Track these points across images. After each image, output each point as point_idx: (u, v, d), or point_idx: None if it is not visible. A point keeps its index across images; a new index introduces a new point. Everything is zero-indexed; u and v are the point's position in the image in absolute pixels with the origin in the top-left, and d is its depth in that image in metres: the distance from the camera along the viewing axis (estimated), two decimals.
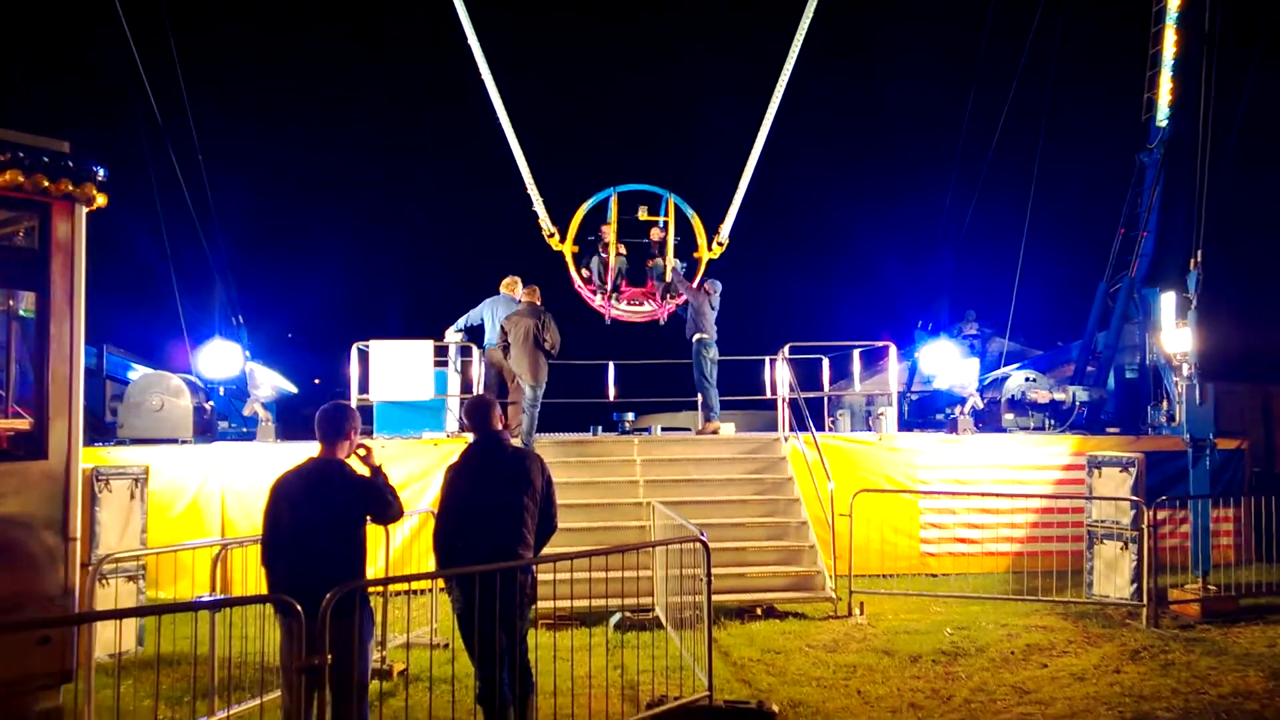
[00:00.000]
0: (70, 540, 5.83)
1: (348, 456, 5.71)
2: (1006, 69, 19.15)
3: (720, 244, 15.89)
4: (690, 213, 15.71)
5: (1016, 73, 18.91)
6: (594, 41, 30.66)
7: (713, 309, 14.16)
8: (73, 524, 5.85)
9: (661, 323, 15.85)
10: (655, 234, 15.71)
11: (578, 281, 15.77)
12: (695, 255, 15.75)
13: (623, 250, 15.75)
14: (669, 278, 15.36)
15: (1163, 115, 17.24)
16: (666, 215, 15.60)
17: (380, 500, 5.57)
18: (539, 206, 15.91)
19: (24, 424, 6.02)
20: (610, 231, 15.60)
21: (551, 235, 15.81)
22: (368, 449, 5.81)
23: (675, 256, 15.48)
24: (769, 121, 16.32)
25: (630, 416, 15.47)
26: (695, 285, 14.65)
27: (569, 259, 15.75)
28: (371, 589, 9.38)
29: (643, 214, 15.70)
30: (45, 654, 5.52)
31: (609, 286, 15.55)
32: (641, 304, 15.77)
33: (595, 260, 15.74)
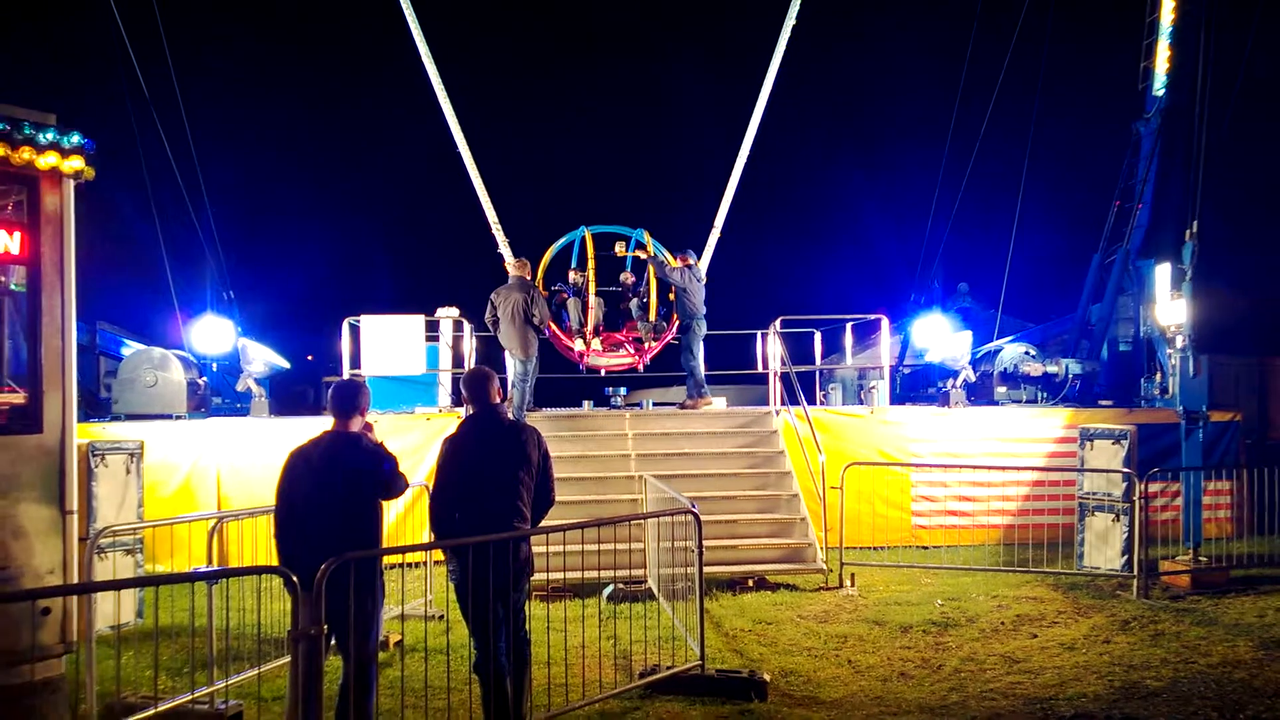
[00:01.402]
0: (67, 513, 5.85)
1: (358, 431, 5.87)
2: (1001, 38, 19.07)
3: (699, 280, 14.72)
4: (664, 253, 14.99)
5: (1011, 42, 18.84)
6: (567, 45, 30.36)
7: (699, 281, 13.96)
8: (69, 497, 5.87)
9: (640, 370, 15.19)
10: (626, 277, 15.02)
11: (552, 327, 14.33)
12: (670, 296, 14.67)
13: (597, 290, 14.85)
14: (653, 314, 14.72)
15: (1159, 84, 17.17)
16: (642, 249, 15.06)
17: (392, 473, 5.74)
18: (505, 249, 15.40)
19: (18, 398, 6.03)
20: (588, 271, 14.78)
21: None
22: (369, 425, 5.90)
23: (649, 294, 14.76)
24: (745, 153, 16.18)
25: (622, 391, 15.48)
26: (676, 265, 14.05)
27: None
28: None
29: (620, 250, 15.12)
30: (47, 625, 5.56)
31: (589, 330, 14.61)
32: (618, 351, 14.94)
33: (571, 302, 14.70)
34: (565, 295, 14.78)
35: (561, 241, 15.24)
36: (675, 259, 14.22)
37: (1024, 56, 18.88)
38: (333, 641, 5.54)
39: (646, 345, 14.87)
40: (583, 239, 15.06)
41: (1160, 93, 17.15)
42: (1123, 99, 18.10)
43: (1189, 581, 10.27)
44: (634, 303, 14.97)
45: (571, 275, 14.96)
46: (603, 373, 15.26)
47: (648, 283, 14.85)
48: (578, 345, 14.74)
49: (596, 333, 14.75)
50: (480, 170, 15.97)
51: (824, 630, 8.78)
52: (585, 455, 12.08)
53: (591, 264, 14.88)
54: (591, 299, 14.72)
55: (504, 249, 15.55)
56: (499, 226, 15.71)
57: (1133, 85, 17.78)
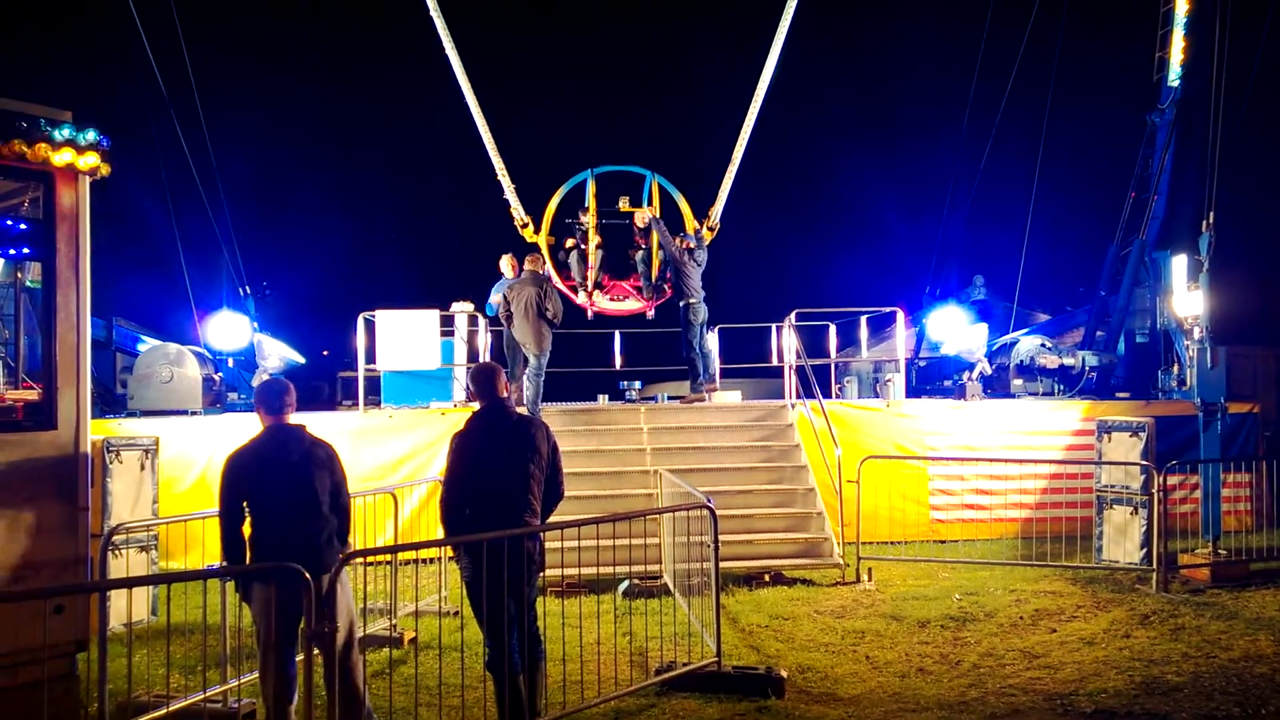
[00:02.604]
0: (81, 510, 5.85)
1: None
2: (1016, 29, 18.91)
3: (711, 229, 14.88)
4: (677, 195, 14.92)
5: (1025, 33, 18.68)
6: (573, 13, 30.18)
7: (698, 265, 13.64)
8: (83, 494, 5.87)
9: (649, 317, 15.04)
10: (639, 218, 14.64)
11: (555, 277, 14.46)
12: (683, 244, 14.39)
13: (599, 241, 14.75)
14: (654, 273, 14.59)
15: (1174, 74, 17.02)
16: (651, 200, 14.80)
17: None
18: (510, 195, 15.03)
19: (33, 394, 6.04)
20: (588, 218, 14.64)
21: (525, 226, 14.88)
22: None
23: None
24: (760, 96, 15.40)
25: (636, 385, 15.41)
26: (676, 243, 13.76)
27: (544, 251, 14.46)
28: (381, 557, 9.47)
29: (624, 205, 14.78)
30: (60, 622, 5.57)
31: (590, 283, 14.60)
32: (625, 299, 14.86)
33: (574, 255, 14.72)
34: (575, 237, 14.72)
35: (568, 184, 14.94)
36: (678, 239, 14.01)
37: (1039, 47, 18.73)
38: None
39: (650, 299, 14.77)
40: (589, 183, 14.77)
41: (1175, 83, 16.99)
42: (1138, 90, 17.94)
43: (1209, 575, 10.18)
44: (639, 255, 14.81)
45: (581, 217, 14.78)
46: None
47: (653, 235, 14.59)
48: (580, 297, 14.69)
49: (599, 285, 14.70)
50: (494, 138, 15.61)
51: (841, 626, 8.73)
52: (600, 450, 12.04)
53: (593, 213, 14.66)
54: (592, 251, 14.58)
55: (514, 205, 15.09)
56: (507, 177, 15.17)
57: (1148, 76, 17.62)
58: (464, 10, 15.74)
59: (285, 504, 5.67)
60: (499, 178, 15.11)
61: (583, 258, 14.69)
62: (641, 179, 15.12)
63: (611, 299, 14.86)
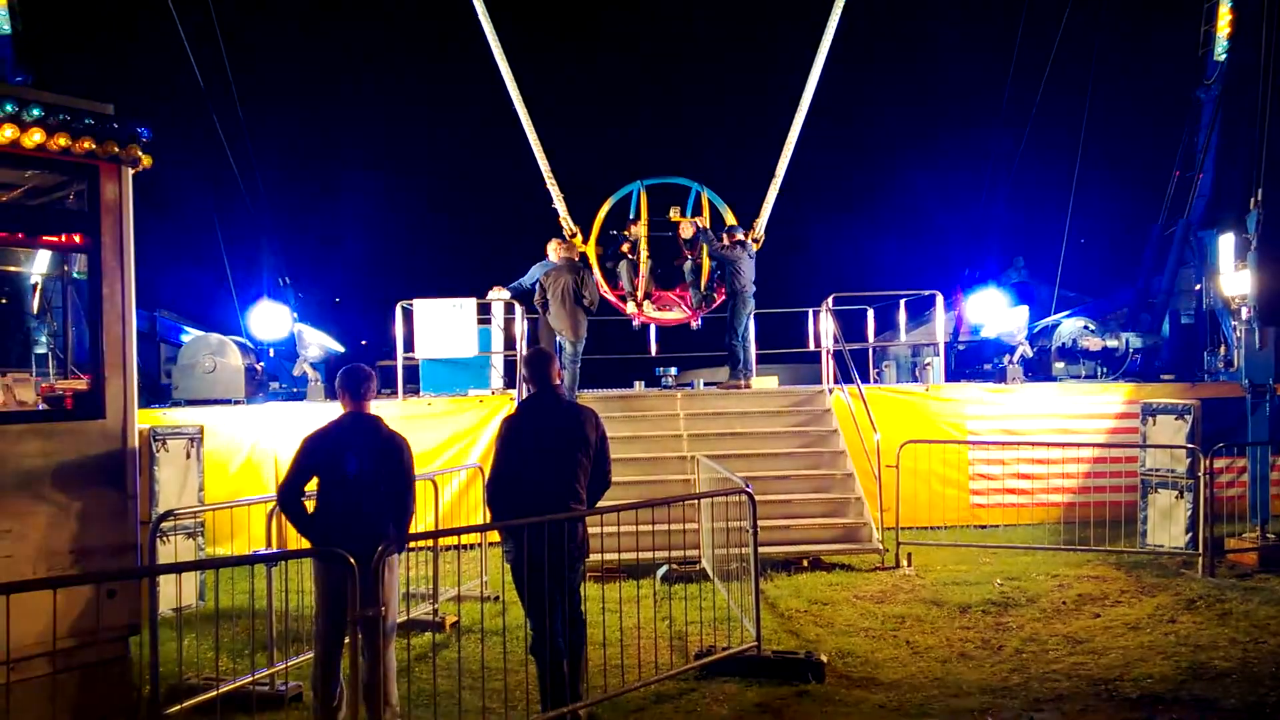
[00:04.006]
0: (130, 497, 5.96)
1: None
2: (1056, 3, 18.57)
3: (756, 240, 14.83)
4: (723, 207, 15.01)
5: (1066, 8, 18.34)
6: (616, 20, 30.07)
7: (750, 257, 13.75)
8: (131, 481, 5.98)
9: (694, 327, 15.19)
10: (685, 231, 14.82)
11: (603, 286, 14.70)
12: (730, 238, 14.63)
13: (649, 252, 14.85)
14: (703, 282, 14.73)
15: (1221, 49, 16.60)
16: (700, 212, 14.88)
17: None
18: (559, 204, 15.15)
19: (81, 384, 6.16)
20: (639, 230, 14.77)
21: (574, 235, 14.91)
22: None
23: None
24: (804, 109, 15.61)
25: (673, 371, 15.40)
26: (724, 243, 13.86)
27: (593, 260, 14.73)
28: (423, 543, 9.58)
29: (673, 214, 14.89)
30: (112, 606, 5.69)
31: (640, 292, 14.71)
32: (671, 309, 14.98)
33: (623, 264, 14.84)
34: (625, 246, 14.83)
35: (616, 196, 15.10)
36: (723, 236, 14.05)
37: (1080, 23, 18.38)
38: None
39: (698, 308, 14.88)
40: (638, 194, 14.93)
41: (1222, 57, 16.58)
42: (1183, 65, 17.56)
43: (1256, 559, 10.04)
44: (687, 264, 14.91)
45: (631, 229, 14.93)
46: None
47: (701, 248, 14.69)
48: (629, 307, 14.85)
49: (648, 295, 14.79)
50: (538, 134, 15.76)
51: (881, 611, 8.70)
52: (637, 436, 12.06)
53: (644, 225, 14.80)
54: (643, 261, 14.70)
55: (563, 214, 15.37)
56: (554, 182, 15.38)
57: (1193, 50, 17.24)
58: (505, 17, 15.82)
59: (352, 489, 5.71)
60: (548, 186, 15.31)
61: (633, 268, 14.82)
62: (688, 190, 15.21)
63: (659, 308, 14.98)
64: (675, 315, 15.02)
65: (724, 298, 14.24)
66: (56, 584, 5.14)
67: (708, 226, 14.54)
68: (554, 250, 13.61)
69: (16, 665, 5.13)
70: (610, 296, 14.78)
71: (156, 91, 16.80)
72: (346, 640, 5.56)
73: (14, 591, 4.61)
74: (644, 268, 14.72)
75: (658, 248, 15.03)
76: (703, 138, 29.46)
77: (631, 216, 15.06)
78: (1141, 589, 9.21)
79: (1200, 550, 9.90)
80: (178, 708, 6.16)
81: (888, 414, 12.65)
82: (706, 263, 14.73)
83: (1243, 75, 15.83)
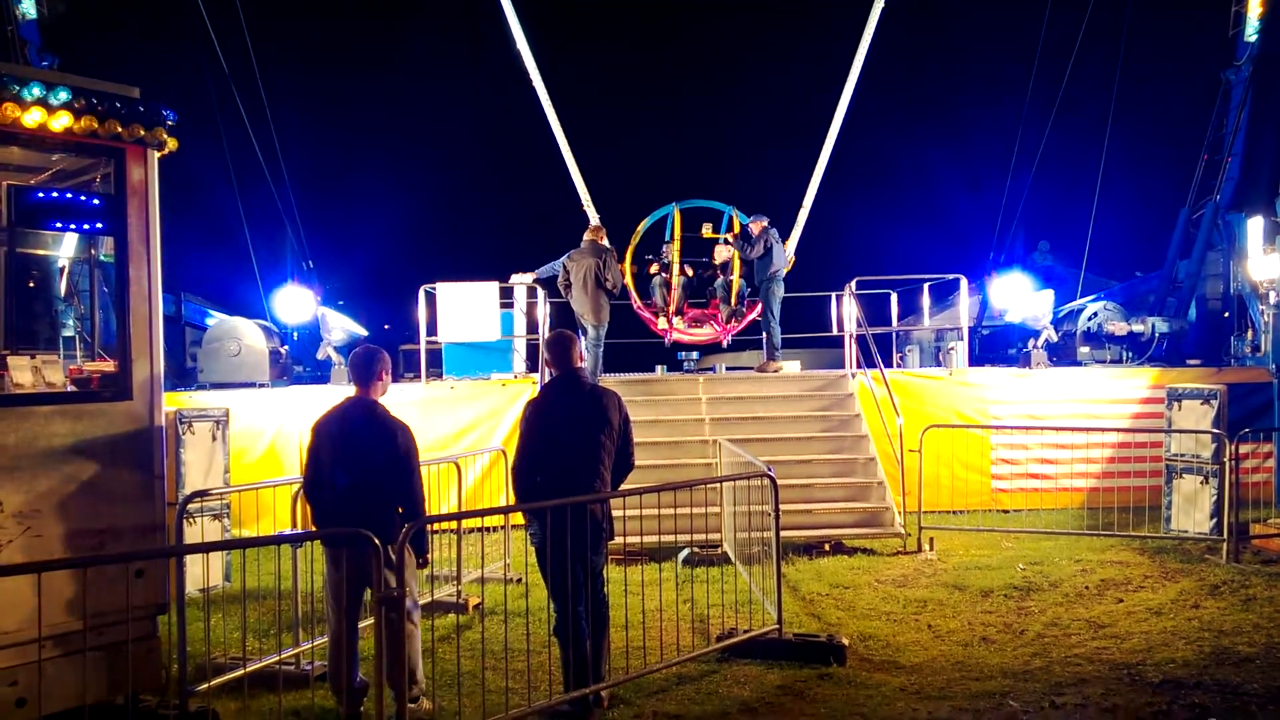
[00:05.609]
0: (157, 478, 6.03)
1: None
2: None
3: (788, 260, 14.86)
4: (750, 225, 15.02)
5: None
6: (649, 37, 30.05)
7: (778, 242, 13.85)
8: (158, 462, 6.04)
9: (724, 345, 15.43)
10: (719, 253, 15.04)
11: (637, 303, 15.25)
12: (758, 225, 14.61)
13: (689, 271, 15.14)
14: (734, 299, 14.91)
15: (1251, 29, 16.39)
16: (730, 232, 15.05)
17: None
18: (594, 221, 15.43)
19: (109, 366, 6.22)
20: (673, 250, 15.04)
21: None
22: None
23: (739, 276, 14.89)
24: (832, 138, 16.05)
25: (694, 355, 15.45)
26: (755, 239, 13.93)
27: (628, 279, 14.92)
28: (446, 525, 9.64)
29: (707, 231, 15.11)
30: (141, 586, 5.76)
31: (672, 309, 14.92)
32: (702, 326, 15.21)
33: (656, 281, 15.14)
34: (659, 265, 15.09)
35: (652, 217, 15.35)
36: (752, 221, 14.07)
37: (1108, 3, 18.14)
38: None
39: (728, 324, 15.04)
40: (673, 216, 15.14)
41: (1252, 38, 16.37)
42: (1212, 46, 17.33)
43: None
44: (719, 282, 15.07)
45: (665, 249, 15.16)
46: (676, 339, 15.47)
47: (732, 266, 14.88)
48: (661, 323, 15.07)
49: (680, 312, 14.98)
50: (567, 137, 16.12)
51: (903, 595, 8.69)
52: (659, 420, 12.07)
53: (678, 245, 15.01)
54: (675, 279, 14.90)
55: (589, 209, 15.56)
56: (592, 207, 15.90)
57: (1223, 31, 17.00)
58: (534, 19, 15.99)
59: (348, 473, 5.81)
60: (584, 208, 15.70)
61: (666, 286, 15.03)
62: (720, 213, 15.39)
63: (690, 325, 15.19)
64: (705, 333, 15.29)
65: (753, 314, 14.54)
66: (86, 563, 5.23)
67: (734, 263, 14.82)
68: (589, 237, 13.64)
69: (48, 642, 5.22)
70: (644, 314, 15.17)
71: (182, 76, 16.89)
72: (366, 621, 5.63)
73: (45, 570, 4.69)
74: (676, 286, 14.95)
75: (690, 264, 15.27)
76: (735, 155, 29.57)
77: (667, 238, 15.27)
78: (1165, 574, 9.16)
79: (1225, 536, 9.83)
80: (205, 686, 6.25)
81: (910, 398, 12.62)
82: (737, 282, 14.91)
83: (1274, 57, 15.63)
